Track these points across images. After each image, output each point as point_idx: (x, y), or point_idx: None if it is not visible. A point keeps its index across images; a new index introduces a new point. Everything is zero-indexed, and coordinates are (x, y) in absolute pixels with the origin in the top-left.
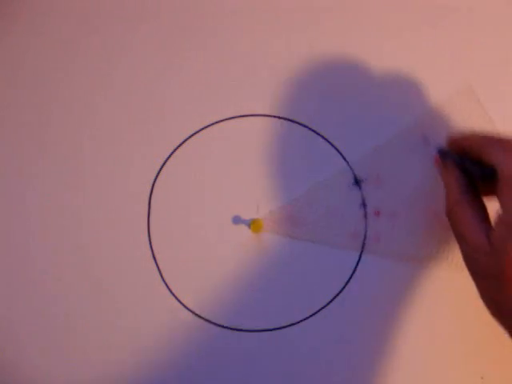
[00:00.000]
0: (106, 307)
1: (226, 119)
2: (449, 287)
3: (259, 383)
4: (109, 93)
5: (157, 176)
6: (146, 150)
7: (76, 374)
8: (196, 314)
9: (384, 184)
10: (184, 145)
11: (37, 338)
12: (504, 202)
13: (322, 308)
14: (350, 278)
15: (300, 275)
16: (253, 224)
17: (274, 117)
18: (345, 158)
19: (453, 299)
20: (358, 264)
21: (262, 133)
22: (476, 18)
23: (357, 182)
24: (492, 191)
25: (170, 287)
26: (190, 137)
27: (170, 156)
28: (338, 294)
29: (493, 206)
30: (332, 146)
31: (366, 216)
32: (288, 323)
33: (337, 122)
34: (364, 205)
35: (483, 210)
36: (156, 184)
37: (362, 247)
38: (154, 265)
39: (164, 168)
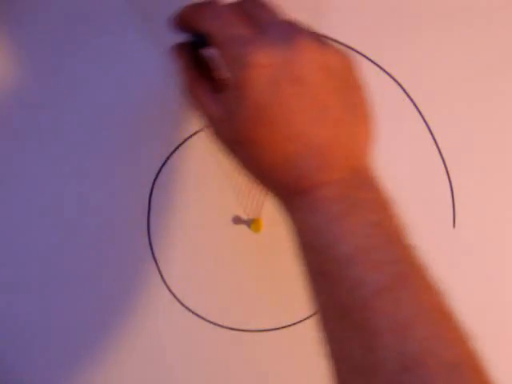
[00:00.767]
0: (105, 307)
1: None
2: (449, 287)
3: (259, 383)
4: (109, 92)
5: (157, 176)
6: (145, 150)
7: (75, 374)
8: (196, 314)
9: None
10: (184, 145)
11: (36, 337)
12: (226, 66)
13: None
14: None
15: (300, 275)
16: (253, 224)
17: None
18: None
19: (453, 299)
20: None
21: None
22: None
23: None
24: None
25: (170, 287)
26: (190, 137)
27: (170, 156)
28: None
29: None
30: None
31: None
32: (288, 323)
33: None
34: None
35: (215, 81)
36: (156, 184)
37: None
38: (154, 265)
39: (164, 168)
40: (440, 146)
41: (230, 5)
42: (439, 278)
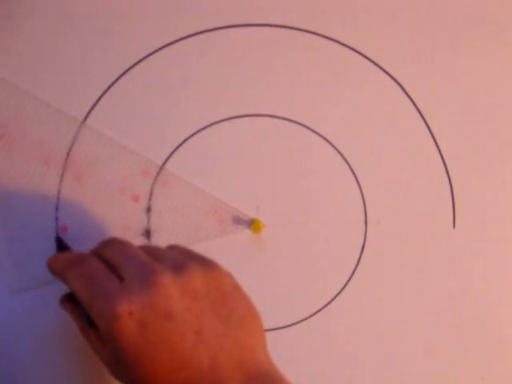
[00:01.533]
0: None
1: (226, 119)
2: (448, 287)
3: None
4: (109, 92)
5: (157, 176)
6: (146, 150)
7: (75, 374)
8: None
9: None
10: (184, 145)
11: (35, 337)
12: (95, 321)
13: (322, 308)
14: (350, 278)
15: (300, 275)
16: (253, 224)
17: (275, 117)
18: (345, 158)
19: (453, 299)
20: (358, 264)
21: (263, 133)
22: None
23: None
24: None
25: None
26: (190, 137)
27: (169, 156)
28: (337, 294)
29: None
30: (332, 146)
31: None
32: (288, 323)
33: (338, 122)
34: None
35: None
36: (156, 184)
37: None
38: None
39: (164, 168)
40: (440, 146)
41: (92, 256)
42: (439, 278)
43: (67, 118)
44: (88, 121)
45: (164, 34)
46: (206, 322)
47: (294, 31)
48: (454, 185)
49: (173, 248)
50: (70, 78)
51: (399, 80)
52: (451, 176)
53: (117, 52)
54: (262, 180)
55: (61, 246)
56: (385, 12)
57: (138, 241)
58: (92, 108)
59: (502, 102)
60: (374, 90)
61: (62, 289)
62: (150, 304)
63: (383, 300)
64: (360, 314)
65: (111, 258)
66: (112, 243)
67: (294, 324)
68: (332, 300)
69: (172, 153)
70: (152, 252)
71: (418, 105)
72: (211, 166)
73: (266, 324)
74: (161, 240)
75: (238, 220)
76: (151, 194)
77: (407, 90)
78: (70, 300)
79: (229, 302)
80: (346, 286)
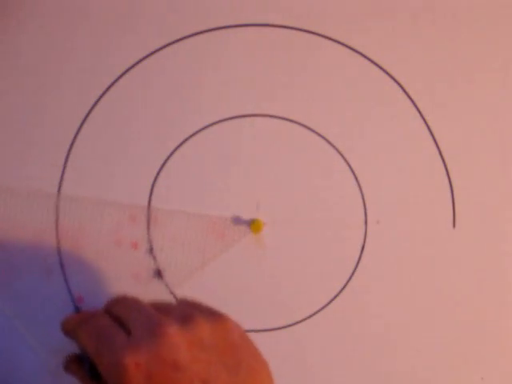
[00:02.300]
0: None
1: (226, 119)
2: (449, 287)
3: None
4: (108, 92)
5: (157, 176)
6: (146, 150)
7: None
8: None
9: None
10: (184, 145)
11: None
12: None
13: (322, 308)
14: (350, 278)
15: (300, 275)
16: (253, 224)
17: (275, 117)
18: (345, 158)
19: (453, 299)
20: (358, 264)
21: (263, 133)
22: None
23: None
24: None
25: (170, 287)
26: (190, 137)
27: (170, 156)
28: (337, 294)
29: None
30: (332, 146)
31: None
32: (288, 323)
33: (338, 122)
34: None
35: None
36: (156, 184)
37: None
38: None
39: (164, 168)
40: (440, 146)
41: (101, 313)
42: (439, 277)
43: (42, 196)
44: (62, 190)
45: (164, 34)
46: (214, 373)
47: (294, 31)
48: (453, 185)
49: (181, 301)
50: (70, 78)
51: (399, 80)
52: (451, 176)
53: (117, 52)
54: (262, 180)
55: None
56: (385, 12)
57: (153, 284)
58: (92, 108)
59: (502, 102)
60: (374, 90)
61: None
62: (156, 355)
63: (383, 300)
64: (360, 313)
65: (119, 313)
66: (120, 300)
67: (294, 324)
68: (332, 300)
69: (172, 153)
70: (159, 306)
71: (418, 105)
72: (211, 165)
73: (266, 324)
74: (174, 275)
75: (238, 220)
76: (147, 235)
77: (407, 90)
78: (74, 362)
79: (237, 352)
80: (346, 286)
